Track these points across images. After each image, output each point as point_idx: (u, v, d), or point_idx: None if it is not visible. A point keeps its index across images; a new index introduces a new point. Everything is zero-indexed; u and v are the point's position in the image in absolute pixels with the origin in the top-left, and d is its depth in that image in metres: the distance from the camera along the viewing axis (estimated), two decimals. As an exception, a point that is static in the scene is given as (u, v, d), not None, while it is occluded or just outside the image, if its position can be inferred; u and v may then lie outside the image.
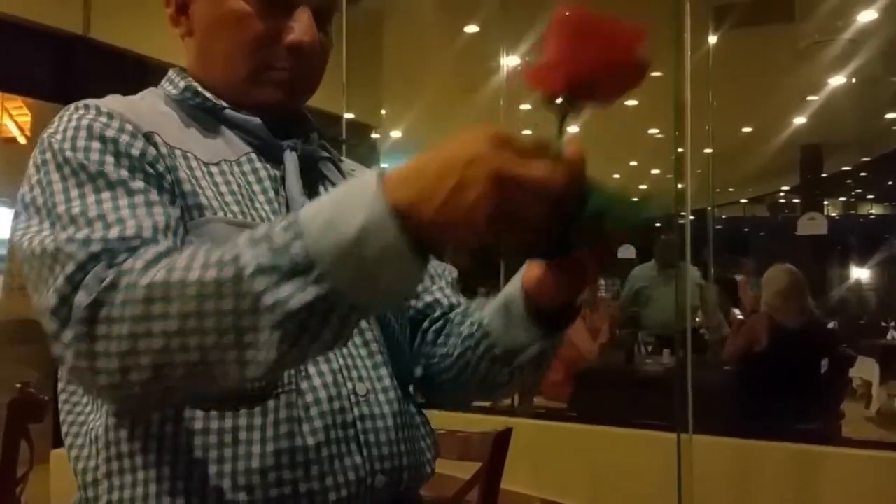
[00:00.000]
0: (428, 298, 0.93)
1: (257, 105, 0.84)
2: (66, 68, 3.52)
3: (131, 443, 0.73)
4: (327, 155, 0.89)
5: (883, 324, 7.62)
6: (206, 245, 0.62)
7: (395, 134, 6.98)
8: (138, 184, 0.72)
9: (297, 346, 0.57)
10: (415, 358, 0.91)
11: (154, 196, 0.72)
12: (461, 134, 0.57)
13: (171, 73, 0.88)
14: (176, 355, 0.60)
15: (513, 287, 0.81)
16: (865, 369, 5.94)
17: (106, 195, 0.70)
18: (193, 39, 0.86)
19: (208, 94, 0.84)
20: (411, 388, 0.89)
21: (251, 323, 0.57)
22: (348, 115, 4.29)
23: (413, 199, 0.55)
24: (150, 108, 0.82)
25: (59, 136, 0.74)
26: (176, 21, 0.87)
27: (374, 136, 5.44)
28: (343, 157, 0.94)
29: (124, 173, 0.72)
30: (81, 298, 0.62)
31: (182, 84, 0.85)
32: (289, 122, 0.88)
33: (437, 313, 0.93)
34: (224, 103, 0.83)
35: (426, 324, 0.93)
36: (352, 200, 0.56)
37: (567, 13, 0.59)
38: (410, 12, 5.19)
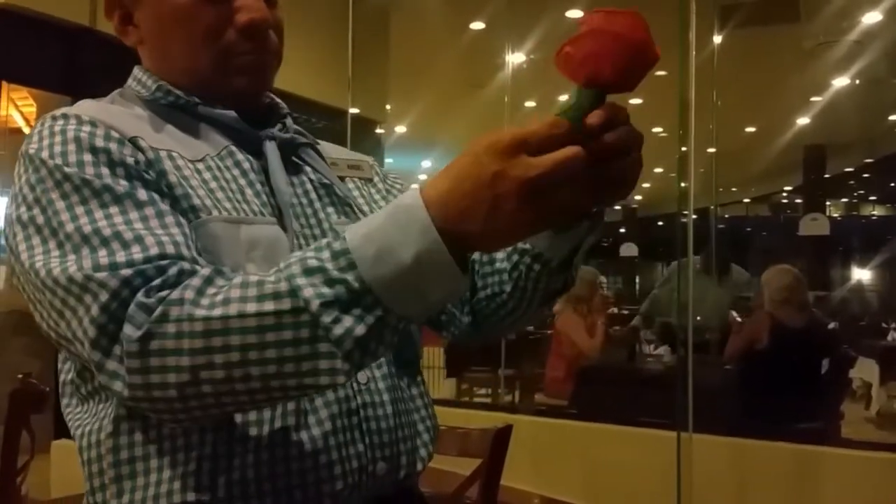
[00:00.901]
0: None
1: (229, 96, 0.83)
2: (73, 60, 3.52)
3: (139, 447, 0.73)
4: (306, 140, 0.89)
5: (884, 325, 7.61)
6: (254, 275, 0.64)
7: (400, 129, 6.98)
8: (142, 194, 0.71)
9: (362, 365, 0.63)
10: (461, 306, 0.92)
11: (162, 205, 0.71)
12: (473, 147, 0.61)
13: (136, 72, 0.87)
14: (237, 384, 0.62)
15: None
16: (866, 370, 5.94)
17: (114, 210, 0.69)
18: (146, 46, 0.85)
19: (180, 92, 0.83)
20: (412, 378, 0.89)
21: (311, 350, 0.61)
22: (353, 110, 4.29)
23: (458, 223, 0.60)
24: (125, 112, 0.81)
25: (46, 152, 0.72)
26: (123, 32, 0.85)
27: (378, 130, 5.44)
28: (318, 140, 0.93)
29: (126, 184, 0.71)
30: (130, 331, 0.63)
31: (153, 85, 0.84)
32: (262, 110, 0.88)
33: None
34: (197, 99, 0.82)
35: None
36: (401, 231, 0.60)
37: (589, 16, 0.63)
38: (417, 8, 5.19)
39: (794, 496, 3.01)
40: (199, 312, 0.62)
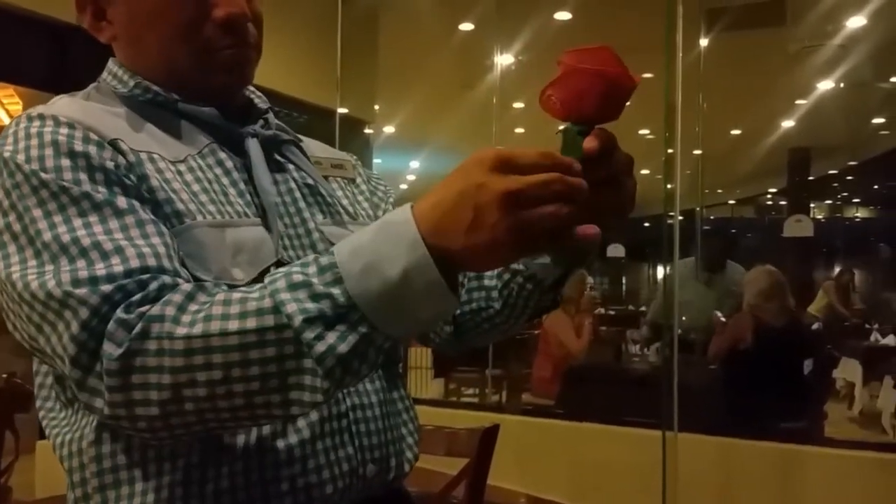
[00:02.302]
0: None
1: (208, 92, 0.81)
2: (60, 58, 3.49)
3: (123, 455, 0.72)
4: (288, 137, 0.87)
5: (866, 325, 7.68)
6: (237, 291, 0.63)
7: (389, 129, 6.97)
8: (122, 201, 0.68)
9: (342, 385, 0.61)
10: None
11: (143, 214, 0.69)
12: (466, 161, 0.61)
13: (112, 66, 0.84)
14: (220, 401, 0.61)
15: None
16: (849, 370, 6.00)
17: (94, 218, 0.67)
18: (120, 42, 0.82)
19: (159, 89, 0.80)
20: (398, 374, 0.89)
21: (296, 366, 0.60)
22: (342, 110, 4.29)
23: (443, 236, 0.59)
24: (103, 110, 0.78)
25: (22, 156, 0.69)
26: (96, 28, 0.83)
27: (367, 131, 5.44)
28: (301, 137, 0.91)
29: (105, 191, 0.68)
30: (110, 349, 0.61)
31: (131, 82, 0.81)
32: (244, 106, 0.86)
33: None
34: (176, 96, 0.80)
35: None
36: (390, 246, 0.59)
37: (566, 53, 0.66)
38: (406, 9, 5.19)
39: (778, 495, 3.03)
40: (180, 331, 0.60)
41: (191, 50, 0.79)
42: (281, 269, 0.63)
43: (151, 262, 0.65)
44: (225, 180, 0.78)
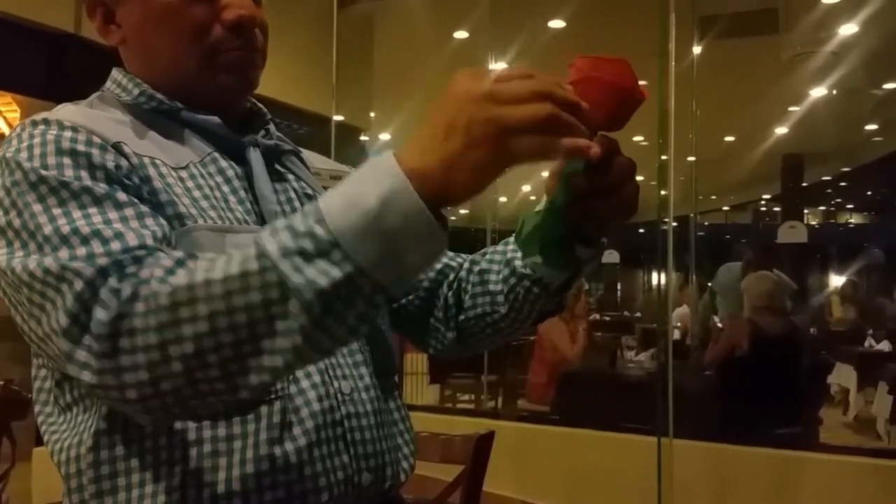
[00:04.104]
0: (437, 266, 0.94)
1: (213, 95, 0.82)
2: (57, 66, 3.50)
3: (121, 461, 0.72)
4: (289, 148, 0.88)
5: (860, 328, 7.71)
6: (224, 254, 0.61)
7: (384, 136, 6.98)
8: (123, 196, 0.69)
9: (322, 327, 0.57)
10: (446, 323, 0.92)
11: (143, 207, 0.69)
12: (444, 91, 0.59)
13: (116, 75, 0.85)
14: (210, 356, 0.59)
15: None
16: (843, 376, 6.02)
17: (93, 210, 0.67)
18: (129, 46, 0.83)
19: (162, 97, 0.81)
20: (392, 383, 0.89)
21: (282, 311, 0.57)
22: (337, 117, 4.30)
23: (419, 156, 0.57)
24: (106, 116, 0.79)
25: (24, 154, 0.70)
26: (105, 31, 0.84)
27: (363, 138, 5.45)
28: (301, 149, 0.92)
29: (106, 187, 0.69)
30: (100, 314, 0.60)
31: (136, 90, 0.82)
32: (245, 116, 0.88)
33: (451, 277, 0.93)
34: (179, 105, 0.81)
35: (444, 289, 0.93)
36: (368, 177, 0.57)
37: (582, 58, 0.67)
38: (401, 16, 5.21)
39: (774, 501, 3.04)
40: (166, 288, 0.59)
41: (199, 51, 0.80)
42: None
43: (149, 241, 0.66)
44: (226, 188, 0.79)
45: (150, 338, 0.59)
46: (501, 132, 0.56)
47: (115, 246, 0.64)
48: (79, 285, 0.62)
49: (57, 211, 0.66)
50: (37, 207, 0.67)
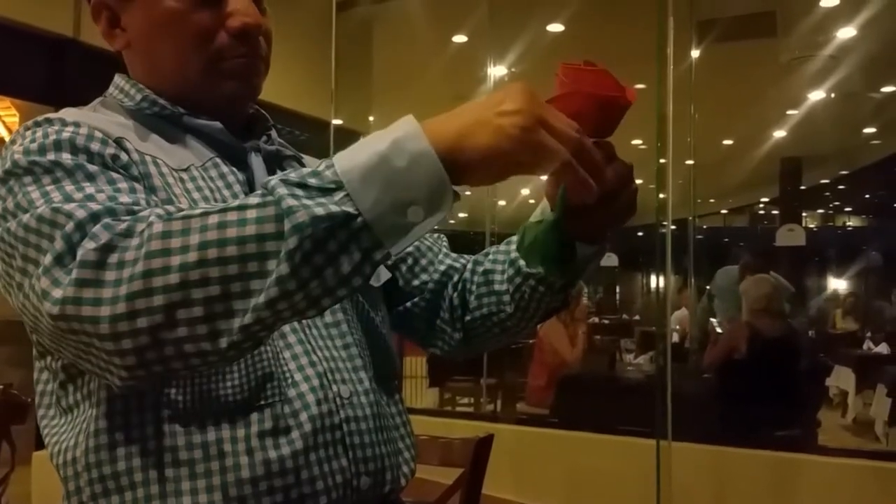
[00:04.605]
0: (441, 268, 0.94)
1: (217, 101, 0.82)
2: (56, 70, 3.51)
3: (116, 463, 0.72)
4: (290, 153, 0.88)
5: (859, 334, 7.72)
6: None
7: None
8: (118, 175, 0.69)
9: (313, 265, 0.55)
10: (452, 324, 0.92)
11: (137, 185, 0.70)
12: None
13: (119, 81, 0.86)
14: (193, 290, 0.56)
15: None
16: (842, 378, 6.03)
17: (87, 184, 0.66)
18: (134, 50, 0.84)
19: (165, 102, 0.82)
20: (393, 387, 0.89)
21: (274, 248, 0.55)
22: (336, 121, 4.30)
23: (445, 121, 0.60)
24: (109, 119, 0.79)
25: (21, 148, 0.70)
26: (110, 35, 0.84)
27: (361, 142, 5.45)
28: (302, 154, 0.93)
29: (100, 167, 0.69)
30: (89, 245, 0.58)
31: (138, 95, 0.82)
32: (247, 122, 0.88)
33: (456, 278, 0.94)
34: (182, 110, 0.82)
35: (448, 290, 0.93)
36: (386, 131, 0.59)
37: (565, 69, 0.70)
38: (400, 20, 5.22)
39: (772, 503, 3.05)
40: (161, 223, 0.58)
41: (203, 57, 0.80)
42: None
43: (143, 204, 0.66)
44: (226, 192, 0.80)
45: (137, 267, 0.57)
46: (528, 144, 0.59)
47: (110, 200, 0.64)
48: (69, 227, 0.61)
49: (50, 187, 0.66)
50: (31, 188, 0.66)
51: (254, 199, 0.57)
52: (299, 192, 0.56)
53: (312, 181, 0.57)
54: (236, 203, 0.58)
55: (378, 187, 0.56)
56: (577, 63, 0.70)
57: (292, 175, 0.58)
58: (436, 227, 0.60)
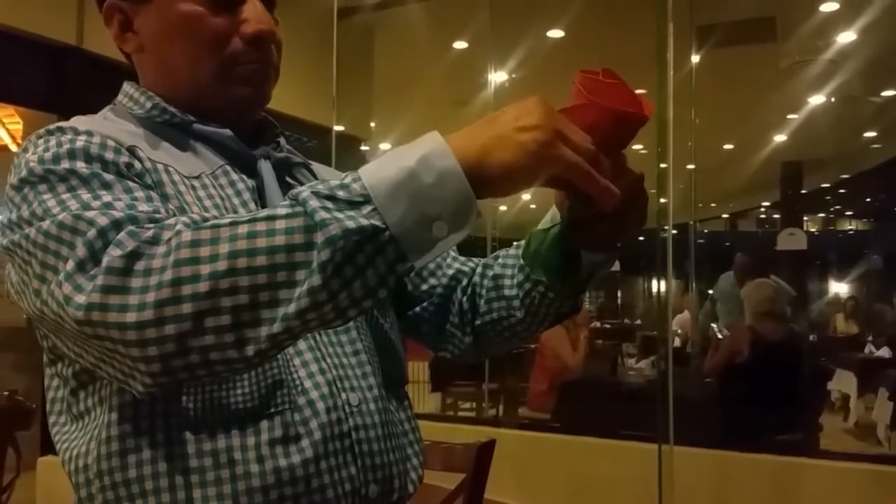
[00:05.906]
0: (450, 272, 0.95)
1: (227, 106, 0.83)
2: (59, 78, 3.53)
3: (127, 471, 0.71)
4: (299, 160, 0.89)
5: (861, 338, 7.72)
6: None
7: (385, 146, 7.00)
8: (134, 184, 0.69)
9: (342, 277, 0.56)
10: (462, 328, 0.93)
11: (154, 194, 0.70)
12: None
13: (128, 89, 0.86)
14: (222, 299, 0.57)
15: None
16: (844, 382, 6.02)
17: (104, 192, 0.66)
18: (145, 54, 0.84)
19: (175, 110, 0.82)
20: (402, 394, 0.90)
21: (304, 259, 0.56)
22: (338, 128, 4.32)
23: (469, 136, 0.61)
24: (120, 127, 0.79)
25: (36, 157, 0.70)
26: (122, 39, 0.84)
27: (363, 148, 5.47)
28: (310, 161, 0.93)
29: (115, 176, 0.69)
30: (114, 252, 0.59)
31: (148, 103, 0.83)
32: (256, 129, 0.88)
33: (465, 282, 0.94)
34: (192, 118, 0.82)
35: (458, 294, 0.94)
36: (411, 146, 0.60)
37: (583, 79, 0.69)
38: (401, 27, 5.23)
39: (774, 507, 3.04)
40: (190, 231, 0.59)
41: (216, 62, 0.81)
42: None
43: (162, 212, 0.66)
44: (236, 200, 0.80)
45: (165, 275, 0.57)
46: (547, 159, 0.60)
47: (129, 208, 0.64)
48: (92, 234, 0.61)
49: (66, 195, 0.66)
50: (47, 195, 0.67)
51: (282, 210, 0.58)
52: (329, 204, 0.57)
53: (341, 194, 0.58)
54: (264, 213, 0.59)
55: (405, 202, 0.57)
56: (595, 72, 0.70)
57: (321, 187, 0.59)
58: None
